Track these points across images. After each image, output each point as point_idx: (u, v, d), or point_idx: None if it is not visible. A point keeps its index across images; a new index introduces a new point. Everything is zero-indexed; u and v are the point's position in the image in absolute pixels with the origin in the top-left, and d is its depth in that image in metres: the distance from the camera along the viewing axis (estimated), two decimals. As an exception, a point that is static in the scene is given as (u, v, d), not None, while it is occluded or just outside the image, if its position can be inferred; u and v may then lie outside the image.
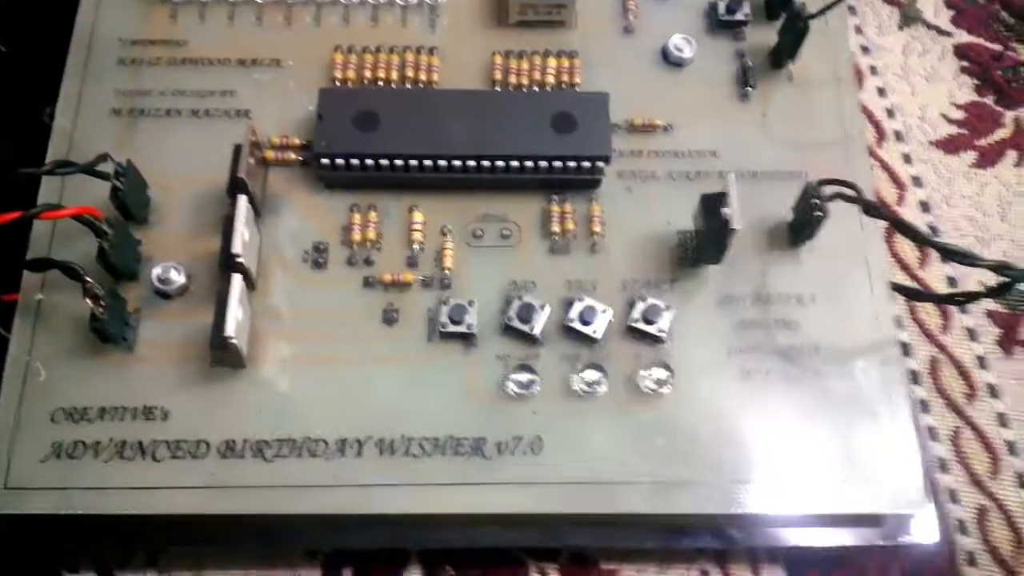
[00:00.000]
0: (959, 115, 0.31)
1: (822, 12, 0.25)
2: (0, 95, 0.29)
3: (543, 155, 0.24)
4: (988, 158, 0.30)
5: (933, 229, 0.29)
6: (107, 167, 0.22)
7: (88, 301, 0.21)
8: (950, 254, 0.20)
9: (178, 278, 0.23)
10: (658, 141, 0.26)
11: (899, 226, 0.21)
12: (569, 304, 0.23)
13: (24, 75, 0.29)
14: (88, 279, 0.21)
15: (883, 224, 0.25)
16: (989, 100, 0.31)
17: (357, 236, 0.24)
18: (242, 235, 0.21)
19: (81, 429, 0.22)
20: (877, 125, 0.30)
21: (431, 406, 0.22)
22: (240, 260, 0.21)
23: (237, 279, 0.21)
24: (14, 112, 0.29)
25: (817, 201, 0.23)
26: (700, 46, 0.27)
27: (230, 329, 0.20)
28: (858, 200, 0.21)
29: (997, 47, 0.32)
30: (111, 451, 0.22)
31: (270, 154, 0.25)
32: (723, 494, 0.22)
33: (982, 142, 0.30)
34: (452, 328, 0.23)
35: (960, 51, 0.32)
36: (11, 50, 0.28)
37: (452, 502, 0.22)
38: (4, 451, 0.21)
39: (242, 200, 0.22)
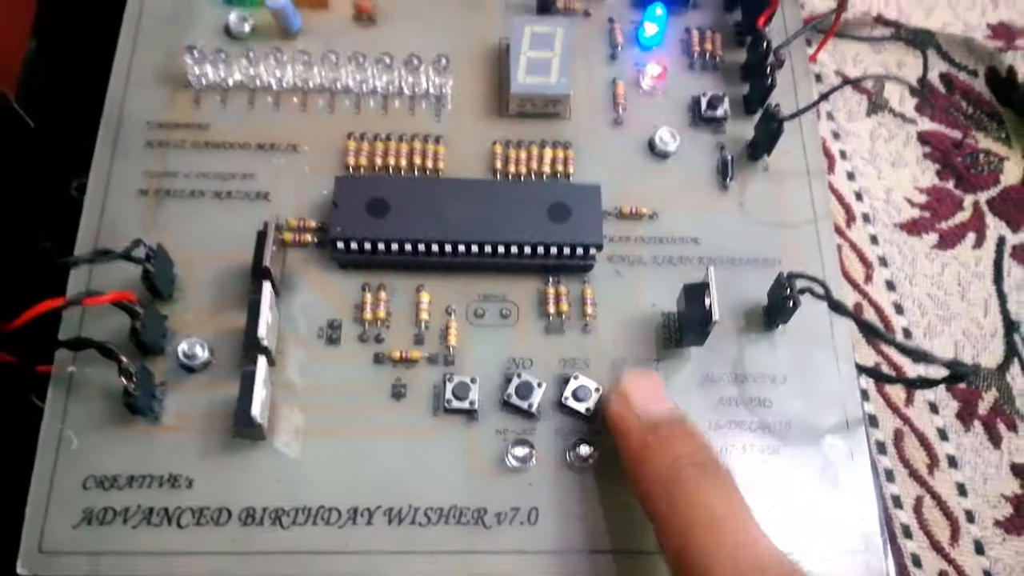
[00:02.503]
0: (922, 199, 0.33)
1: (795, 115, 0.28)
2: (27, 169, 0.30)
3: (540, 242, 0.26)
4: (949, 240, 0.32)
5: (898, 307, 0.31)
6: (139, 251, 0.24)
7: (122, 378, 0.23)
8: (907, 352, 0.22)
9: (202, 353, 0.25)
10: (644, 228, 0.28)
11: (861, 325, 0.23)
12: (564, 381, 0.25)
13: (50, 149, 0.31)
14: (123, 359, 0.23)
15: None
16: (950, 184, 0.34)
17: (368, 314, 0.26)
18: (267, 320, 0.23)
19: (111, 496, 0.23)
20: (847, 208, 0.33)
21: (436, 477, 0.24)
22: (265, 343, 0.23)
23: (262, 361, 0.23)
24: (41, 185, 0.30)
25: (789, 292, 0.25)
26: (683, 139, 0.29)
27: (256, 410, 0.22)
28: (825, 298, 0.24)
29: (957, 134, 0.35)
30: (139, 517, 0.23)
31: (288, 236, 0.27)
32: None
33: (943, 225, 0.33)
34: (456, 404, 0.25)
35: (923, 137, 0.35)
36: (38, 126, 0.30)
37: (455, 569, 0.23)
38: (39, 516, 0.23)
39: (267, 287, 0.24)
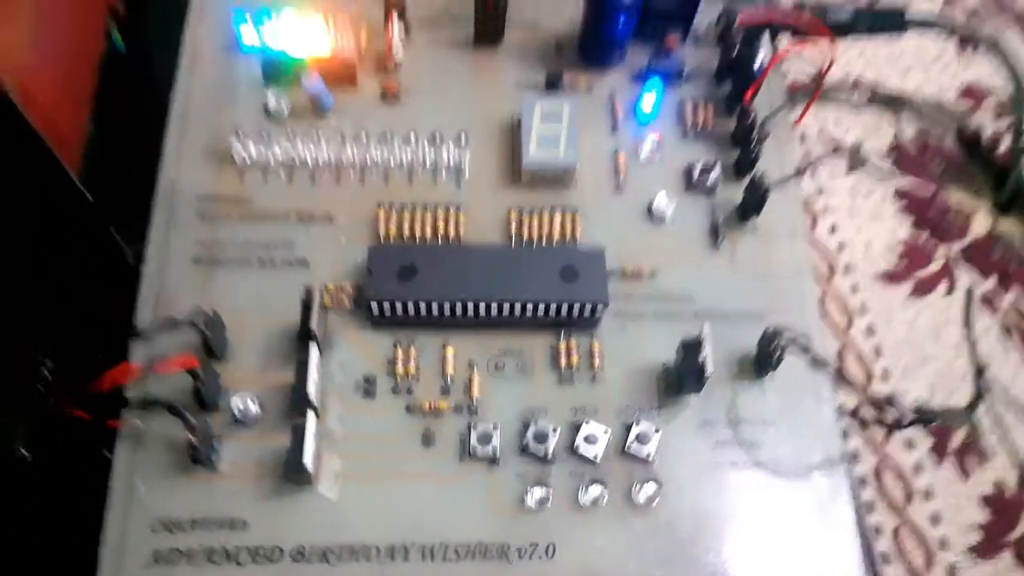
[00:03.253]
0: (899, 250, 0.36)
1: (781, 183, 0.31)
2: (86, 239, 0.34)
3: (552, 301, 0.30)
4: (923, 288, 0.36)
5: (877, 351, 0.34)
6: (198, 317, 0.27)
7: (187, 433, 0.26)
8: (874, 403, 0.25)
9: (253, 408, 0.28)
10: (645, 286, 0.31)
11: (837, 376, 0.27)
12: (576, 427, 0.28)
13: (108, 220, 0.34)
14: (188, 417, 0.26)
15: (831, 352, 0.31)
16: (924, 237, 0.37)
17: (400, 369, 0.29)
18: (314, 379, 0.26)
19: (176, 538, 0.26)
20: (829, 259, 0.36)
21: (463, 517, 0.27)
22: (313, 399, 0.26)
23: (311, 416, 0.26)
24: (98, 253, 0.34)
25: (775, 345, 0.28)
26: (679, 203, 0.33)
27: (307, 459, 0.25)
28: (807, 353, 0.27)
29: (930, 190, 0.38)
30: (202, 557, 0.26)
31: (327, 299, 0.30)
32: (703, 589, 0.27)
33: (918, 274, 0.36)
34: (480, 451, 0.28)
35: (899, 193, 0.38)
36: (96, 200, 0.33)
37: (483, 599, 0.26)
38: (113, 558, 0.26)
39: (313, 348, 0.27)
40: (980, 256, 0.36)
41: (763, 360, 0.30)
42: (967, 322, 0.35)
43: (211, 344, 0.28)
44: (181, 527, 0.27)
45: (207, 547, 0.26)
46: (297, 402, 0.27)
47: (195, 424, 0.26)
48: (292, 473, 0.26)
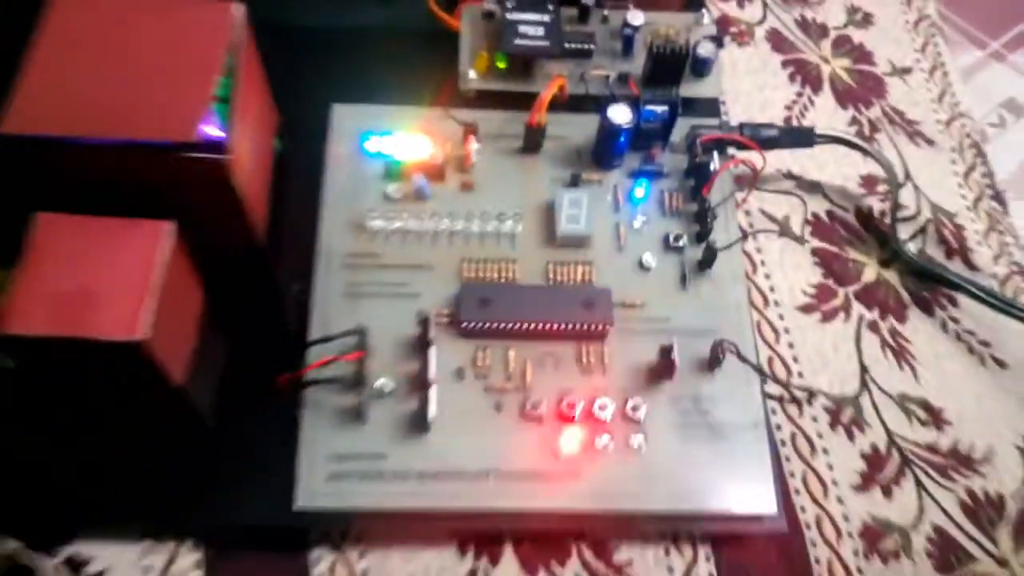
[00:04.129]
0: (812, 291, 0.53)
1: (728, 246, 0.48)
2: (258, 280, 0.50)
3: (576, 322, 0.46)
4: (828, 317, 0.52)
5: (795, 358, 0.50)
6: (357, 330, 0.44)
7: (356, 398, 0.42)
8: (793, 395, 0.42)
9: (390, 384, 0.44)
10: (636, 312, 0.47)
11: (758, 371, 0.43)
12: (593, 400, 0.44)
13: (274, 263, 0.50)
14: (358, 387, 0.42)
15: (764, 359, 0.47)
16: (830, 282, 0.53)
17: (480, 364, 0.45)
18: (432, 368, 0.43)
19: (342, 465, 0.42)
20: (764, 296, 0.52)
21: (520, 453, 0.43)
22: (432, 380, 0.42)
23: (433, 388, 0.42)
24: (268, 290, 0.50)
25: (720, 351, 0.45)
26: (659, 259, 0.49)
27: (431, 416, 0.41)
28: (737, 355, 0.43)
29: (835, 249, 0.54)
30: (358, 476, 0.42)
31: (433, 319, 0.46)
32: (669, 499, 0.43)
33: (825, 307, 0.52)
34: (530, 414, 0.44)
35: (814, 251, 0.54)
36: (272, 250, 0.50)
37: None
38: (304, 476, 0.42)
39: (432, 351, 0.43)
40: (868, 295, 0.53)
41: (713, 360, 0.46)
42: (857, 340, 0.51)
43: (363, 346, 0.44)
44: (345, 458, 0.43)
45: (361, 471, 0.42)
46: (423, 381, 0.43)
47: (357, 391, 0.42)
48: (419, 423, 0.42)
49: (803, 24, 0.63)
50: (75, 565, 0.42)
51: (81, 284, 0.39)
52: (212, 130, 0.40)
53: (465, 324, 0.45)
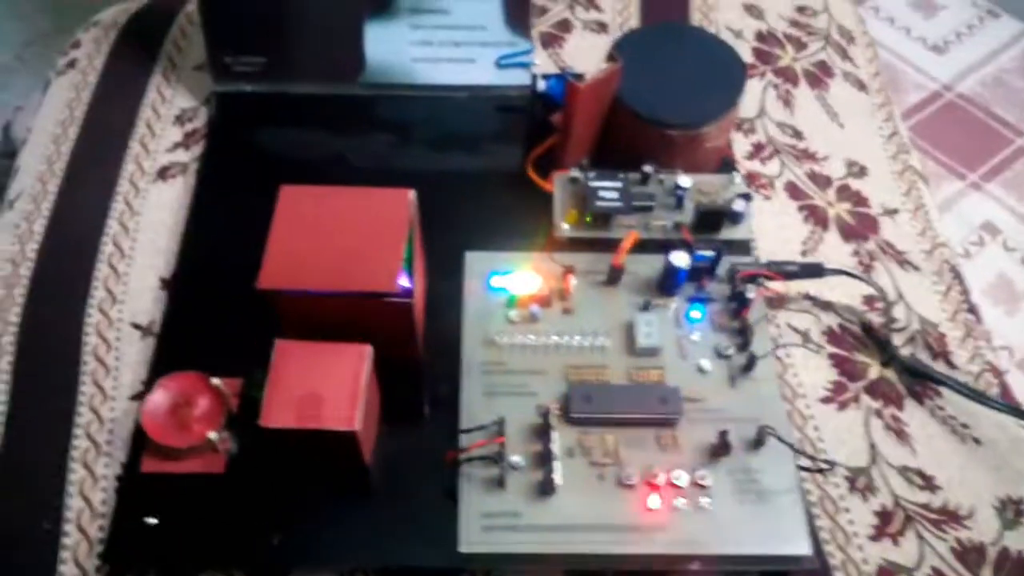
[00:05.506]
0: (830, 387, 0.69)
1: (764, 356, 0.64)
2: (414, 383, 0.67)
3: (654, 412, 0.62)
4: (842, 406, 0.68)
5: (820, 439, 0.66)
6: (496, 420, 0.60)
7: (497, 470, 0.58)
8: (819, 467, 0.58)
9: (521, 461, 0.60)
10: (698, 405, 0.63)
11: (795, 450, 0.59)
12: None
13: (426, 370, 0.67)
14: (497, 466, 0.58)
15: (794, 437, 0.63)
16: (844, 379, 0.69)
17: (585, 445, 0.62)
18: (556, 450, 0.59)
19: (491, 520, 0.58)
20: (793, 391, 0.68)
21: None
22: (554, 454, 0.59)
23: (557, 463, 0.58)
24: (420, 390, 0.67)
25: (763, 436, 0.60)
26: (713, 364, 0.65)
27: (557, 481, 0.57)
28: (780, 440, 0.59)
29: (845, 353, 0.71)
30: (504, 528, 0.58)
31: (551, 411, 0.63)
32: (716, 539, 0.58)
33: (840, 399, 0.68)
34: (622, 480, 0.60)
35: (830, 355, 0.71)
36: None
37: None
38: (466, 528, 0.58)
39: (555, 434, 0.59)
40: (873, 389, 0.68)
41: (758, 441, 0.62)
42: (866, 424, 0.67)
43: (501, 432, 0.61)
44: (491, 515, 0.58)
45: (503, 524, 0.58)
46: (545, 456, 0.59)
47: (499, 465, 0.58)
48: (546, 488, 0.58)
49: (812, 176, 0.82)
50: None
51: (311, 390, 0.57)
52: (404, 282, 0.58)
53: (574, 415, 0.62)
